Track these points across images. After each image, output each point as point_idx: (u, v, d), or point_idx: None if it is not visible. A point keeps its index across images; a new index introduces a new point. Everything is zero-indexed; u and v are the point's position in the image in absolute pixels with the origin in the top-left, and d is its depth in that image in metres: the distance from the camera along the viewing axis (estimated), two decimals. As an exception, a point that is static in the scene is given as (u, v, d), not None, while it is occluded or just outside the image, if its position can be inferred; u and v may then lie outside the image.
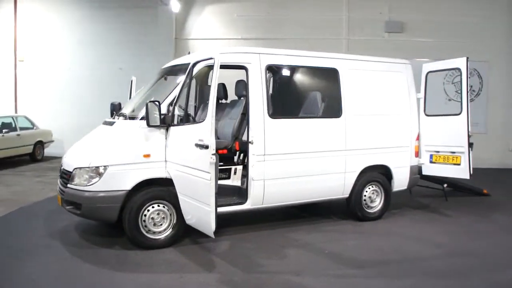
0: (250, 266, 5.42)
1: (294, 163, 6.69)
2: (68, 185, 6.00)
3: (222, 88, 7.54)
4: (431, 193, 9.53)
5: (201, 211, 5.25)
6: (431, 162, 8.02)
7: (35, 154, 13.87)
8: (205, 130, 5.09)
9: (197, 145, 5.18)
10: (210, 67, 7.13)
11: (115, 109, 7.20)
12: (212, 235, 5.21)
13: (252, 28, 14.53)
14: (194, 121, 5.76)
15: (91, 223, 6.92)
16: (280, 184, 6.61)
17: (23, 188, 10.04)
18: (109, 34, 14.57)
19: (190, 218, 5.68)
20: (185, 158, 5.54)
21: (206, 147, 5.02)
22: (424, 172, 8.14)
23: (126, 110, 6.83)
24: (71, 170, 6.02)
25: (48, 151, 14.34)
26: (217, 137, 7.28)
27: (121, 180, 5.80)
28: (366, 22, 14.38)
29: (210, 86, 7.73)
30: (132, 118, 6.28)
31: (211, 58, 5.32)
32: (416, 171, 8.00)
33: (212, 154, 5.00)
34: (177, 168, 5.71)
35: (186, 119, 5.82)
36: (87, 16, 14.86)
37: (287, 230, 6.91)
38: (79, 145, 6.57)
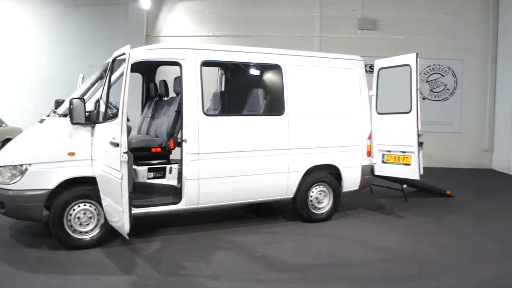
0: (170, 269, 5.23)
1: (231, 162, 6.49)
2: (-7, 184, 5.83)
3: (163, 85, 7.35)
4: (392, 194, 9.32)
5: (116, 211, 5.07)
6: (383, 162, 7.81)
7: (3, 152, 13.66)
8: (117, 127, 4.91)
9: (111, 143, 5.01)
10: (156, 64, 6.97)
11: (59, 106, 7.02)
12: (126, 236, 5.03)
13: (224, 25, 14.34)
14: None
15: (29, 222, 6.72)
16: (216, 183, 6.41)
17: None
18: (80, 32, 14.34)
19: (114, 220, 5.47)
20: (104, 156, 5.36)
21: (118, 145, 4.84)
22: (376, 173, 7.93)
23: (63, 107, 6.63)
24: (-4, 168, 5.84)
25: (18, 149, 14.13)
26: (155, 135, 7.12)
27: (44, 178, 5.62)
28: (339, 20, 14.17)
29: (157, 82, 7.68)
30: (65, 115, 6.08)
31: (123, 54, 5.13)
32: (368, 171, 7.78)
33: (124, 153, 4.82)
34: (100, 167, 5.53)
35: (108, 116, 5.59)
36: (58, 14, 14.64)
37: (226, 231, 6.72)
38: (11, 143, 6.39)
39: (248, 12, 14.38)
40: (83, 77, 8.10)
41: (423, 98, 13.90)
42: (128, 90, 4.88)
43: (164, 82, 7.35)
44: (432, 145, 13.82)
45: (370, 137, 7.70)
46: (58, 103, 7.09)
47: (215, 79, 8.44)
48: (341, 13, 14.14)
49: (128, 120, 6.73)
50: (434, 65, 13.91)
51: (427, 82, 14.00)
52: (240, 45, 7.31)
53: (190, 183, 6.25)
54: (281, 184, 6.95)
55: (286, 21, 14.22)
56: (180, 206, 6.31)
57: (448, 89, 14.13)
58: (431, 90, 14.04)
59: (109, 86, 5.48)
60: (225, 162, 6.45)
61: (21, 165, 5.60)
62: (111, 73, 5.52)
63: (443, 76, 14.08)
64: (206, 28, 14.43)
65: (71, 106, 5.55)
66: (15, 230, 6.61)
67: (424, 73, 13.96)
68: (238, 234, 6.62)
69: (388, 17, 14.02)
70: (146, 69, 7.81)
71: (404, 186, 8.93)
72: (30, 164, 5.59)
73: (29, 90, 14.66)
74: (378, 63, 8.07)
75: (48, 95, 14.32)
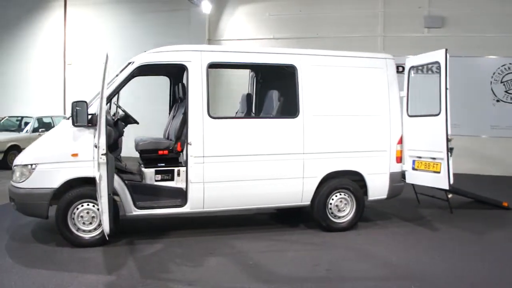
0: (153, 272, 5.19)
1: (238, 166, 6.33)
2: (10, 182, 6.20)
3: (181, 87, 7.37)
4: (439, 204, 8.53)
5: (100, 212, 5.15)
6: (413, 169, 7.16)
7: (72, 153, 14.64)
8: (97, 130, 5.00)
9: (94, 145, 5.11)
10: (182, 67, 6.97)
11: None
12: (106, 237, 5.09)
13: (284, 27, 14.23)
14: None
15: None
16: (222, 187, 6.29)
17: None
18: (147, 38, 14.88)
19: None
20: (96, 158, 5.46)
21: (96, 146, 4.93)
22: (408, 180, 7.30)
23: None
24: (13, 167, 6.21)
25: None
26: (170, 138, 7.15)
27: (49, 178, 5.84)
28: (403, 18, 13.41)
29: (182, 84, 7.72)
30: None
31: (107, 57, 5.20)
32: (399, 178, 7.15)
33: (102, 154, 4.89)
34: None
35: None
36: (128, 21, 15.42)
37: (234, 236, 6.56)
38: (31, 144, 6.74)
39: (309, 14, 14.13)
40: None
41: (497, 100, 12.69)
42: (105, 94, 4.95)
43: (183, 85, 7.37)
44: (506, 151, 12.66)
45: (400, 142, 7.11)
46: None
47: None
48: (406, 11, 13.35)
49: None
50: (510, 63, 12.61)
51: (501, 82, 12.74)
52: (301, 47, 7.06)
53: (195, 186, 6.20)
54: (295, 190, 6.63)
55: (348, 22, 13.75)
56: (185, 209, 6.28)
57: (522, 90, 12.76)
58: (506, 92, 12.75)
59: (102, 90, 5.55)
60: (231, 166, 6.31)
61: (29, 164, 5.89)
62: (105, 77, 5.60)
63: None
64: (266, 31, 14.40)
65: (74, 109, 5.71)
66: (38, 226, 6.95)
67: (499, 73, 12.73)
68: (245, 240, 6.43)
69: (457, 13, 12.96)
70: (172, 72, 7.90)
71: (450, 195, 8.15)
72: (36, 164, 5.85)
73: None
74: (409, 61, 7.42)
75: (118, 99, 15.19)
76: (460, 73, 12.40)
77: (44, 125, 13.55)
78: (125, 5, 15.54)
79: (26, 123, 13.63)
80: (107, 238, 5.14)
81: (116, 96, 7.11)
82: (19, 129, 13.62)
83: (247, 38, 14.35)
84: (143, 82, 10.32)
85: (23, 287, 4.75)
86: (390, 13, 13.54)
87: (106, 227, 4.99)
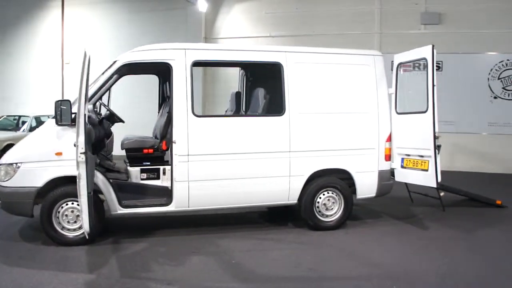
0: (133, 271, 5.17)
1: (223, 165, 6.31)
2: (-4, 180, 6.21)
3: (168, 86, 7.34)
4: (432, 202, 8.43)
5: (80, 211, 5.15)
6: (402, 167, 7.10)
7: (69, 151, 14.67)
8: (76, 129, 5.00)
9: (74, 144, 5.11)
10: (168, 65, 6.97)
11: None
12: (87, 235, 5.09)
13: (281, 25, 14.19)
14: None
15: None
16: (207, 186, 6.27)
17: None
18: (144, 37, 14.75)
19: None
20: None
21: (75, 145, 4.93)
22: (397, 178, 7.24)
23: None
24: (-2, 166, 6.22)
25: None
26: (157, 137, 7.13)
27: (33, 177, 5.84)
28: (400, 15, 13.35)
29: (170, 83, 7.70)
30: None
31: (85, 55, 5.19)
32: (388, 177, 7.11)
33: (81, 153, 4.88)
34: (80, 167, 5.63)
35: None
36: (124, 20, 15.42)
37: (220, 235, 6.53)
38: (18, 143, 6.75)
39: (305, 11, 14.08)
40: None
41: (495, 97, 12.58)
42: (84, 93, 4.94)
43: (170, 84, 7.34)
44: (504, 149, 12.56)
45: (389, 140, 7.05)
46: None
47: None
48: (402, 8, 13.29)
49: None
50: (508, 60, 12.49)
51: (499, 79, 12.62)
52: (297, 45, 6.95)
53: (180, 185, 6.19)
54: (281, 188, 6.59)
55: (344, 19, 13.72)
56: (170, 208, 6.27)
57: (521, 87, 12.65)
58: (504, 88, 12.64)
59: (81, 89, 5.53)
60: (216, 164, 6.29)
61: (14, 163, 5.89)
62: (84, 75, 5.59)
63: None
64: (263, 28, 14.37)
65: (58, 108, 5.71)
66: (27, 225, 6.96)
67: (496, 70, 12.61)
68: (231, 239, 6.41)
69: (454, 10, 12.86)
70: (161, 70, 7.87)
71: (442, 193, 8.06)
72: (21, 163, 5.85)
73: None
74: (397, 58, 7.34)
75: (114, 98, 15.18)
76: (457, 70, 12.38)
77: (41, 124, 13.54)
78: (122, 4, 15.55)
79: (23, 122, 13.68)
80: (87, 237, 5.13)
81: (107, 94, 7.14)
82: (16, 128, 13.68)
83: (244, 36, 14.32)
84: (141, 81, 10.43)
85: (1, 286, 4.76)
86: (387, 10, 13.47)
87: (86, 226, 4.98)
